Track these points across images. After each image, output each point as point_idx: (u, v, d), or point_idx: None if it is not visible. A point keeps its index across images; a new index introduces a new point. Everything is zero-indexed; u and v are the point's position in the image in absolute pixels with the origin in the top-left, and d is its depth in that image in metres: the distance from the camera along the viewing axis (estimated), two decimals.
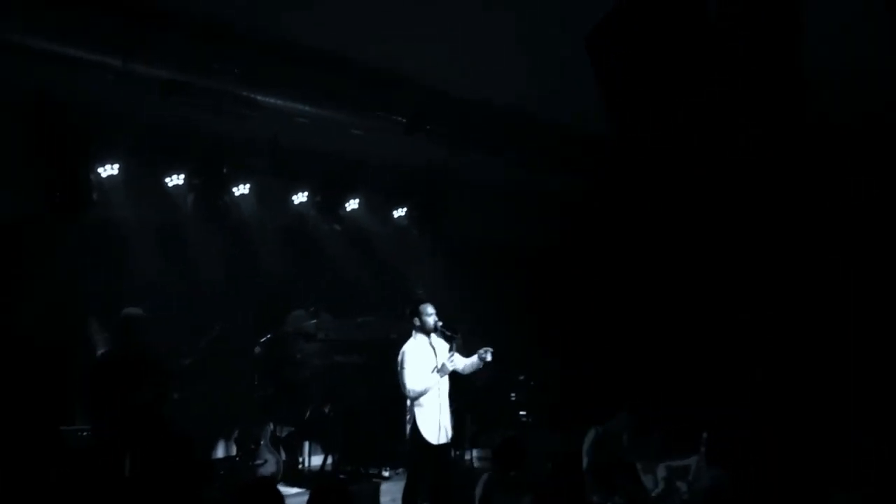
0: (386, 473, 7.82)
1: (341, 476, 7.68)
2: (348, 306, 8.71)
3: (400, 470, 7.62)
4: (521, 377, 9.21)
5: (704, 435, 5.92)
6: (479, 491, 5.19)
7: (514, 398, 9.15)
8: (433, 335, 6.14)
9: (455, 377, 6.20)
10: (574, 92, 4.81)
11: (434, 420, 5.96)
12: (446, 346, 6.15)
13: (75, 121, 6.20)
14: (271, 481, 6.33)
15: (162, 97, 5.59)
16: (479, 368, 6.14)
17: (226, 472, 7.33)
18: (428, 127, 6.74)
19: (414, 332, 6.14)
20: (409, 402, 5.99)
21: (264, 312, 8.20)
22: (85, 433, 5.92)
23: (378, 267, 9.03)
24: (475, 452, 8.43)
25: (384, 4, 5.13)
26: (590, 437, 6.57)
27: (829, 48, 4.52)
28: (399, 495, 6.15)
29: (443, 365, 5.99)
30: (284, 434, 7.79)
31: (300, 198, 8.11)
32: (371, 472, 7.86)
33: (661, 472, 6.49)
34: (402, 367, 5.96)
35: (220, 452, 7.88)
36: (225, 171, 7.34)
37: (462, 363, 6.11)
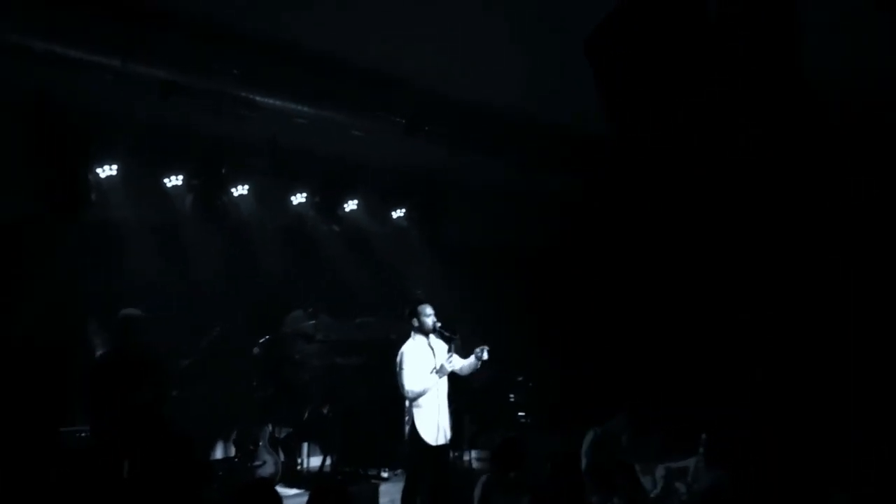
0: (385, 474, 7.81)
1: (340, 477, 7.67)
2: (347, 307, 8.71)
3: (399, 471, 7.62)
4: (520, 378, 9.21)
5: (703, 436, 5.93)
6: (477, 492, 5.18)
7: (513, 399, 9.15)
8: (432, 336, 6.13)
9: (454, 378, 6.20)
10: (573, 92, 4.80)
11: (433, 421, 5.96)
12: (445, 347, 6.14)
13: (75, 121, 6.20)
14: (270, 482, 6.32)
15: (161, 98, 5.59)
16: (477, 369, 6.14)
17: (224, 473, 7.32)
18: (427, 128, 6.75)
19: (413, 333, 6.14)
20: (407, 403, 5.99)
21: (263, 313, 8.20)
22: (84, 434, 5.91)
23: (377, 267, 9.03)
24: (474, 453, 8.43)
25: (383, 5, 5.13)
26: (589, 437, 6.57)
27: (829, 48, 4.53)
28: (398, 496, 6.14)
29: (441, 366, 5.98)
30: (283, 435, 7.78)
31: (299, 198, 8.12)
32: (370, 473, 7.85)
33: (659, 473, 6.49)
34: (401, 368, 5.95)
35: (218, 453, 7.88)
36: (224, 171, 7.35)
37: (460, 364, 6.10)
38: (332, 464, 7.85)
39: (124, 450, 4.96)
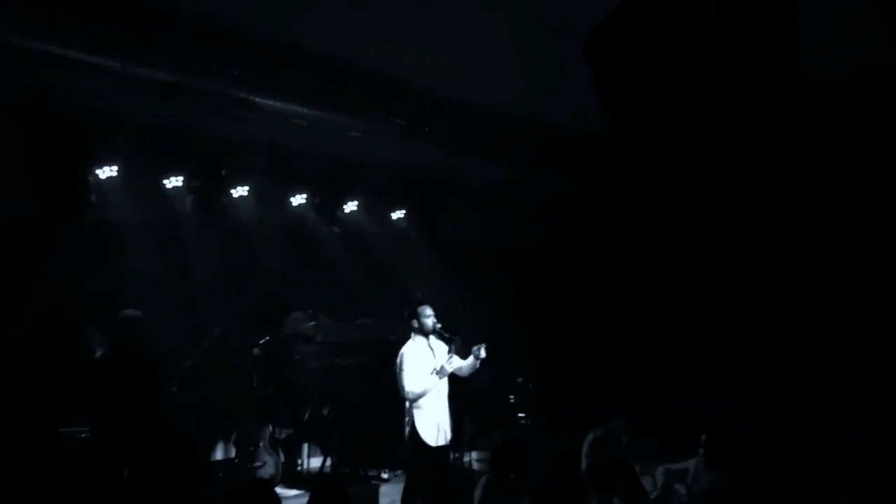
0: (385, 475, 7.82)
1: (340, 478, 7.67)
2: (347, 308, 8.72)
3: (399, 472, 7.62)
4: (520, 379, 9.20)
5: (703, 437, 5.92)
6: (477, 493, 5.18)
7: (513, 400, 9.15)
8: (432, 337, 6.13)
9: (454, 379, 6.19)
10: (573, 92, 4.80)
11: (433, 422, 5.95)
12: (445, 347, 6.14)
13: (75, 121, 6.21)
14: (270, 483, 6.32)
15: (161, 98, 5.60)
16: (476, 368, 6.13)
17: (224, 474, 7.32)
18: (426, 129, 6.75)
19: (413, 334, 6.13)
20: (407, 404, 5.98)
21: (263, 314, 8.20)
22: (84, 435, 5.92)
23: (376, 268, 9.03)
24: (474, 454, 8.42)
25: (383, 6, 5.13)
26: (589, 439, 6.56)
27: (829, 47, 4.53)
28: (398, 497, 6.13)
29: (441, 367, 5.98)
30: (283, 436, 7.79)
31: (299, 199, 8.12)
32: (370, 474, 7.86)
33: (659, 474, 6.49)
34: (401, 369, 5.95)
35: (218, 454, 7.88)
36: (224, 172, 7.35)
37: (460, 364, 6.10)
38: (333, 465, 7.85)
39: (124, 450, 4.97)
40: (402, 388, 5.92)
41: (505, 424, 8.81)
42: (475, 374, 6.23)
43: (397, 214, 8.95)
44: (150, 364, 5.70)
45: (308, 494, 4.14)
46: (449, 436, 6.08)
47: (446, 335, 6.12)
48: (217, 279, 7.81)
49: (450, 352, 6.07)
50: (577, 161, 7.84)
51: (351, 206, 8.37)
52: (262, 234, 8.19)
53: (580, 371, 8.95)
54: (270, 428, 7.44)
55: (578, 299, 9.40)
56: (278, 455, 7.39)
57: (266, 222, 8.15)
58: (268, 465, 7.25)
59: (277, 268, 8.31)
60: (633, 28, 3.44)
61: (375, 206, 8.75)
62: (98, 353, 6.12)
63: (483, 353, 5.97)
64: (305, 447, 8.21)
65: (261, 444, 7.30)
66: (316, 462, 8.14)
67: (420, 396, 5.92)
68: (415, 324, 6.11)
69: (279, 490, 6.70)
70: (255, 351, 7.72)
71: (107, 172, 6.71)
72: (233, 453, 7.60)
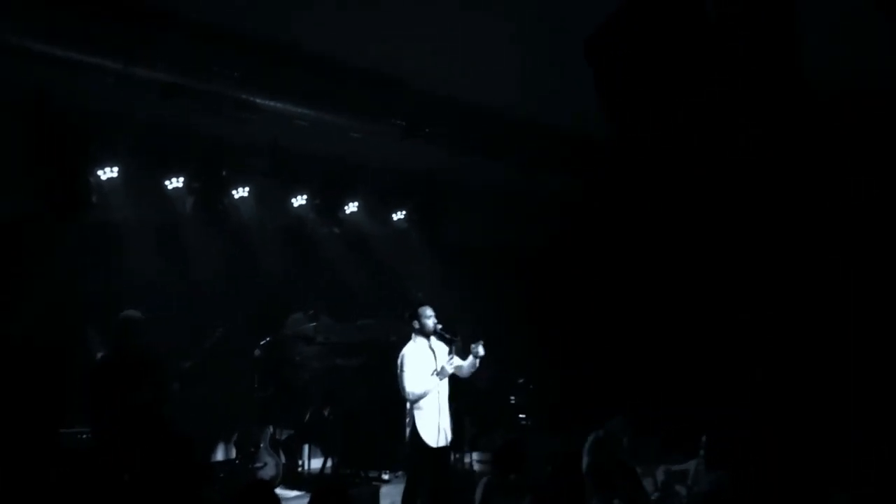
0: (385, 476, 7.80)
1: (341, 479, 7.67)
2: (347, 308, 8.71)
3: (399, 473, 7.61)
4: (521, 380, 9.19)
5: (704, 438, 5.92)
6: (478, 494, 5.18)
7: (513, 401, 9.13)
8: (433, 338, 6.13)
9: (454, 380, 6.19)
10: (573, 93, 4.81)
11: (434, 423, 5.95)
12: (446, 348, 6.14)
13: (75, 121, 6.21)
14: (270, 484, 6.32)
15: (161, 99, 5.60)
16: (477, 368, 6.13)
17: (225, 475, 7.32)
18: (427, 130, 6.75)
19: (413, 335, 6.13)
20: (408, 404, 5.98)
21: (264, 314, 8.20)
22: (84, 435, 5.92)
23: (377, 269, 9.03)
24: (475, 455, 8.41)
25: (383, 7, 5.13)
26: (590, 439, 6.57)
27: (829, 48, 4.53)
28: (398, 498, 6.14)
29: (442, 368, 5.98)
30: (284, 437, 7.78)
31: (299, 200, 8.11)
32: (371, 475, 7.84)
33: (660, 475, 6.49)
34: (402, 370, 5.95)
35: (219, 455, 7.88)
36: (224, 173, 7.35)
37: (461, 365, 6.10)
38: (333, 466, 7.85)
39: (124, 451, 4.97)
40: (403, 389, 5.92)
41: (505, 425, 8.80)
42: (475, 374, 6.23)
43: (398, 215, 8.94)
44: (150, 364, 5.70)
45: (309, 495, 4.14)
46: (449, 437, 6.08)
47: (447, 336, 6.12)
48: (218, 280, 7.81)
49: (450, 353, 6.07)
50: (577, 161, 7.84)
51: (351, 207, 8.37)
52: (262, 235, 8.18)
53: (580, 371, 8.95)
54: (271, 429, 7.43)
55: (579, 300, 9.39)
56: (279, 456, 7.38)
57: (267, 223, 8.15)
58: (268, 466, 7.24)
59: (278, 269, 8.31)
60: (634, 29, 3.44)
61: (376, 207, 8.75)
62: (98, 354, 6.11)
63: (482, 351, 5.96)
64: (306, 448, 8.19)
65: (261, 445, 7.29)
66: (317, 463, 8.13)
67: (421, 397, 5.92)
68: (415, 325, 6.11)
69: (280, 491, 6.71)
70: (256, 352, 7.72)
71: (107, 173, 6.70)
72: (233, 454, 7.60)
